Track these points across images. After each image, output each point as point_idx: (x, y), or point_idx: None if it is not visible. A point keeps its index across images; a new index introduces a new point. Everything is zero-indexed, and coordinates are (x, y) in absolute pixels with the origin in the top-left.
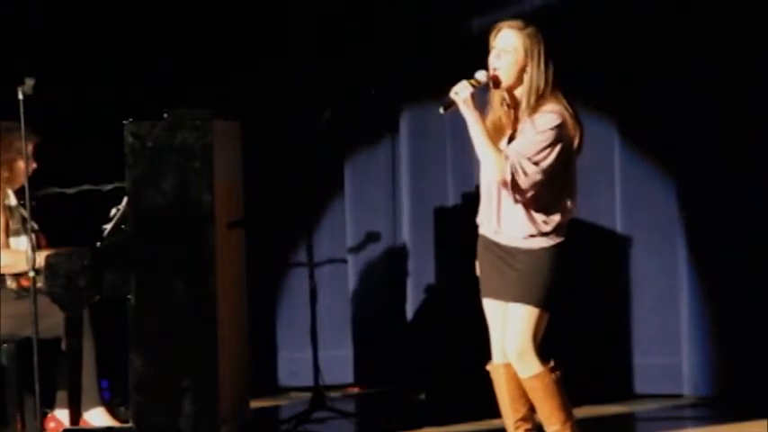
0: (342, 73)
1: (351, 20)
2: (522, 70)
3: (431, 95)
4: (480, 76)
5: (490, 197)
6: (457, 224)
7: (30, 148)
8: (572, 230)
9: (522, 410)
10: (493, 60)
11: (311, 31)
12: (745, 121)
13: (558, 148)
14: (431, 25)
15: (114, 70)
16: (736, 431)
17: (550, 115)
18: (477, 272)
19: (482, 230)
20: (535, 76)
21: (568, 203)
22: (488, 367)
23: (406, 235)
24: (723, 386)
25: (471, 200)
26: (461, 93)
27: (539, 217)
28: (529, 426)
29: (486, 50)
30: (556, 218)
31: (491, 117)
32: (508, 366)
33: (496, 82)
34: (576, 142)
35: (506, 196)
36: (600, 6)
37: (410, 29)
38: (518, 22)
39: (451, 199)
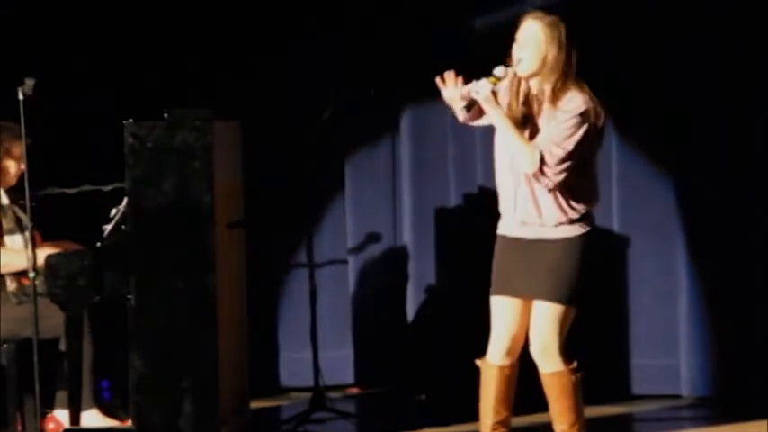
0: (342, 73)
1: (351, 20)
2: (545, 58)
3: (431, 95)
4: (499, 72)
5: (515, 190)
6: (458, 225)
7: (17, 150)
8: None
9: (504, 414)
10: (516, 51)
11: (311, 31)
12: (745, 121)
13: (583, 133)
14: (431, 25)
15: (114, 70)
16: (735, 431)
17: (575, 102)
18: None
19: (502, 230)
20: (557, 62)
21: (595, 191)
22: (479, 363)
23: (406, 235)
24: (721, 387)
25: (472, 200)
26: (482, 91)
27: (567, 204)
28: (505, 430)
29: (486, 50)
30: (583, 205)
31: (508, 114)
32: (503, 369)
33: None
34: (600, 127)
35: (536, 185)
36: (600, 6)
37: (410, 29)
38: (539, 13)
39: (452, 199)
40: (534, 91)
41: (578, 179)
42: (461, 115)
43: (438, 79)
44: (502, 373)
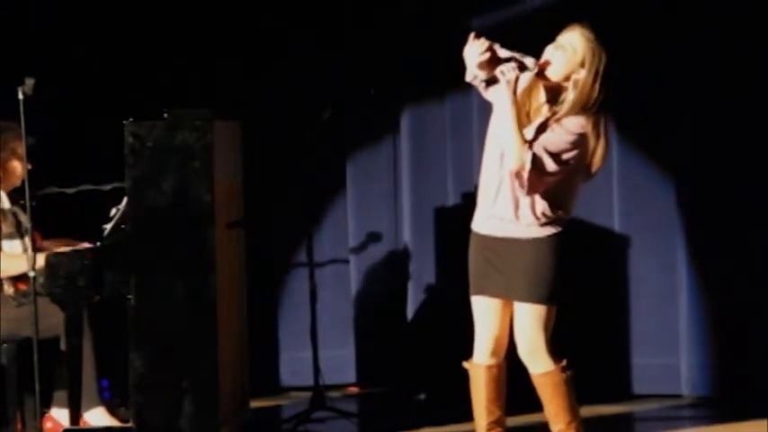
0: (342, 73)
1: (351, 20)
2: (571, 74)
3: (431, 95)
4: (528, 62)
5: (499, 185)
6: (457, 224)
7: (22, 150)
8: (570, 230)
9: (497, 413)
10: (550, 51)
11: (311, 30)
12: (745, 120)
13: (576, 153)
14: (431, 25)
15: (114, 70)
16: (735, 431)
17: (575, 122)
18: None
19: (475, 227)
20: (582, 86)
21: (572, 204)
22: (467, 365)
23: (406, 235)
24: (722, 386)
25: (472, 200)
26: (507, 74)
27: (542, 210)
28: (501, 429)
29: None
30: (558, 213)
31: (519, 103)
32: (490, 368)
33: (541, 71)
34: (593, 160)
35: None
36: (599, 6)
37: (410, 28)
38: (589, 32)
39: (452, 199)
40: (549, 98)
41: (559, 190)
42: (472, 77)
43: (473, 34)
44: (490, 373)
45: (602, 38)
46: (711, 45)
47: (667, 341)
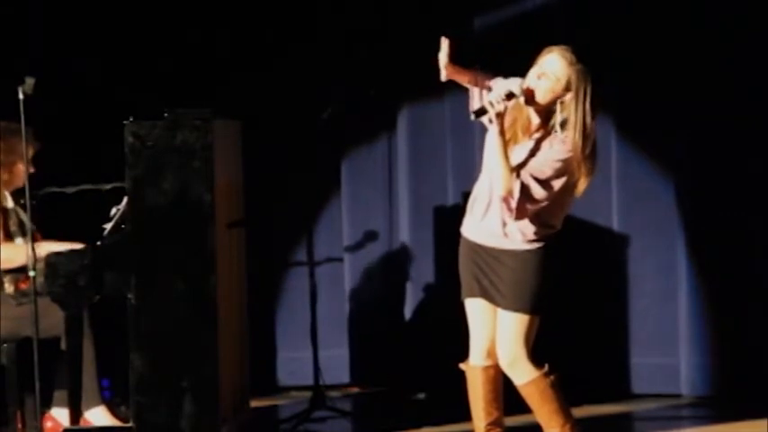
0: (342, 73)
1: (351, 20)
2: (556, 99)
3: (429, 94)
4: (516, 89)
5: (490, 199)
6: (456, 223)
7: (30, 152)
8: (569, 230)
9: (495, 414)
10: (532, 80)
11: (311, 31)
12: (745, 119)
13: (565, 179)
14: (431, 25)
15: (114, 70)
16: (735, 431)
17: (564, 149)
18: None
19: (465, 231)
20: (580, 113)
21: (560, 221)
22: (463, 367)
23: (404, 234)
24: (721, 386)
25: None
26: (496, 106)
27: (531, 229)
28: (500, 430)
29: (486, 50)
30: (547, 230)
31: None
32: (487, 369)
33: (529, 99)
34: (580, 180)
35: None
36: (599, 6)
37: (410, 29)
38: (570, 54)
39: (450, 198)
40: (542, 119)
41: (548, 211)
42: (445, 76)
43: (444, 38)
44: (486, 374)
45: (602, 39)
46: (711, 45)
47: (667, 341)
